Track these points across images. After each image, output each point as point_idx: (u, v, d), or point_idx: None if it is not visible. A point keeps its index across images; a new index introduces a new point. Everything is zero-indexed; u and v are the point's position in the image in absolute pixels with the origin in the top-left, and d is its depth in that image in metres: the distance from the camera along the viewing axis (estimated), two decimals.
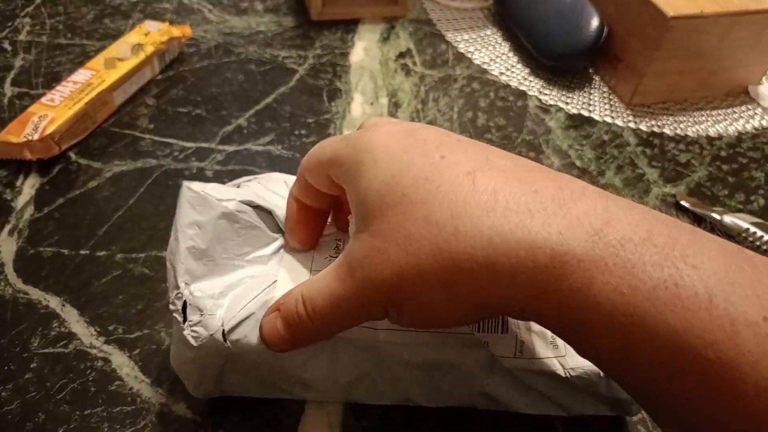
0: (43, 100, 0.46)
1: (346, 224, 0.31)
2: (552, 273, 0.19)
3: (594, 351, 0.20)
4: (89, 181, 0.44)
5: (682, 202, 0.47)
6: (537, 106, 0.56)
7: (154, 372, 0.34)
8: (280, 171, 0.45)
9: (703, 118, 0.56)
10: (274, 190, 0.33)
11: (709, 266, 0.18)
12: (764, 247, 0.42)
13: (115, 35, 0.56)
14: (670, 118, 0.56)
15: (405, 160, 0.23)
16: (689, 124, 0.56)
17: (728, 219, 0.44)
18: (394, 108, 0.53)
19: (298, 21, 0.62)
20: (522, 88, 0.57)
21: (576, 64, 0.58)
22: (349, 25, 0.62)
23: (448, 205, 0.21)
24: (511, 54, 0.62)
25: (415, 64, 0.59)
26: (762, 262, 0.19)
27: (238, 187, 0.35)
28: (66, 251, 0.39)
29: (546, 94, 0.57)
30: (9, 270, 0.38)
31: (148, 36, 0.53)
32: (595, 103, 0.56)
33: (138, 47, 0.51)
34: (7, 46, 0.55)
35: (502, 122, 0.53)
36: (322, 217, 0.31)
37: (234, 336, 0.28)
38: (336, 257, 0.30)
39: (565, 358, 0.30)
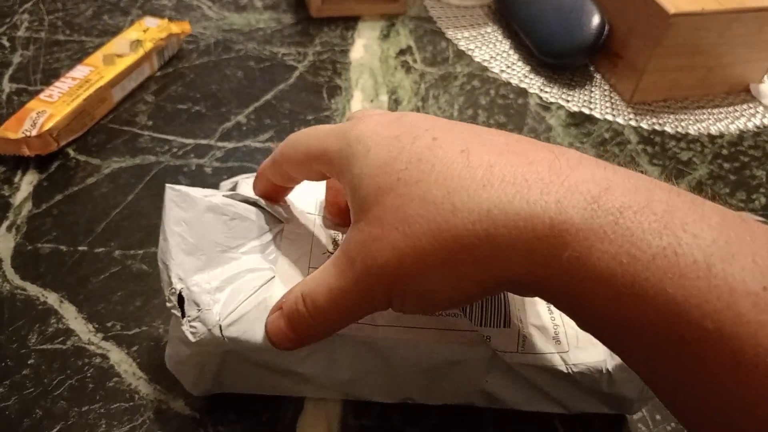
0: (42, 96, 0.45)
1: (339, 213, 0.31)
2: (551, 242, 0.19)
3: (595, 321, 0.20)
4: (87, 178, 0.43)
5: None
6: (537, 103, 0.55)
7: (152, 369, 0.33)
8: None
9: (704, 116, 0.56)
10: None
11: (709, 235, 0.18)
12: None
13: (114, 32, 0.56)
14: (671, 116, 0.56)
15: (397, 145, 0.22)
16: (690, 122, 0.55)
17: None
18: (395, 105, 0.53)
19: (297, 18, 0.62)
20: (522, 85, 0.57)
21: (576, 61, 0.58)
22: (349, 22, 0.62)
23: (444, 182, 0.21)
24: (511, 52, 0.61)
25: (415, 61, 0.58)
26: (763, 231, 0.19)
27: (235, 186, 0.35)
28: (64, 247, 0.39)
29: (547, 92, 0.57)
30: (7, 266, 0.37)
31: (147, 32, 0.52)
32: (596, 101, 0.56)
33: (137, 44, 0.51)
34: (5, 42, 0.55)
35: (502, 120, 0.53)
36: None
37: (231, 332, 0.27)
38: (334, 252, 0.30)
39: (567, 354, 0.29)
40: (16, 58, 0.53)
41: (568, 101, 0.56)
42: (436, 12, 0.66)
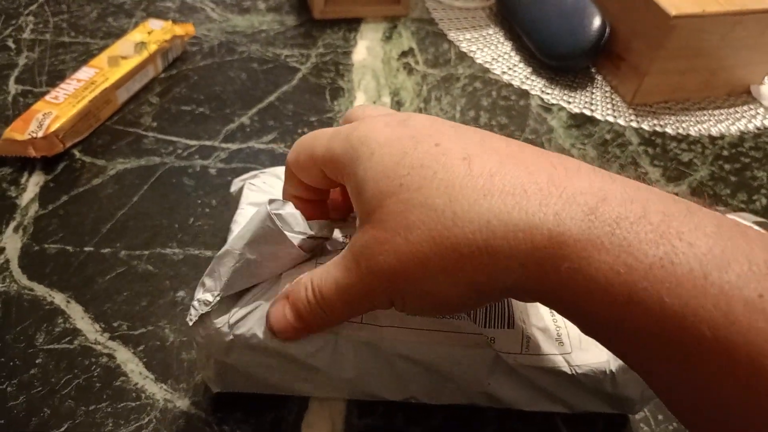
0: (47, 97, 0.46)
1: (342, 212, 0.31)
2: (550, 254, 0.19)
3: (595, 326, 0.21)
4: (93, 179, 0.44)
5: None
6: (539, 105, 0.56)
7: (159, 368, 0.34)
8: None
9: (705, 118, 0.57)
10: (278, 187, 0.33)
11: (705, 243, 0.18)
12: None
13: (119, 34, 0.57)
14: (672, 118, 0.56)
15: (400, 149, 0.23)
16: (691, 123, 0.56)
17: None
18: (397, 107, 0.53)
19: (300, 20, 0.62)
20: (524, 87, 0.58)
21: (578, 63, 0.58)
22: (352, 24, 0.62)
23: (446, 190, 0.21)
24: (513, 53, 0.62)
25: (417, 63, 0.59)
26: (758, 237, 0.19)
27: (241, 190, 0.35)
28: (70, 248, 0.39)
29: (548, 94, 0.57)
30: (14, 266, 0.38)
31: (152, 34, 0.53)
32: (597, 103, 0.57)
33: (141, 46, 0.51)
34: (11, 44, 0.55)
35: (504, 121, 0.53)
36: (325, 204, 0.31)
37: (238, 330, 0.28)
38: (341, 250, 0.30)
39: (570, 355, 0.30)
40: (22, 60, 0.53)
41: (569, 103, 0.56)
42: (438, 14, 0.66)
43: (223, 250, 0.28)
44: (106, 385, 0.33)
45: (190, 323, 0.28)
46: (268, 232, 0.27)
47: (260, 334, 0.28)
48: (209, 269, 0.28)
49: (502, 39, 0.64)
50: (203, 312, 0.28)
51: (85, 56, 0.54)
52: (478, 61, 0.60)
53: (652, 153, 0.52)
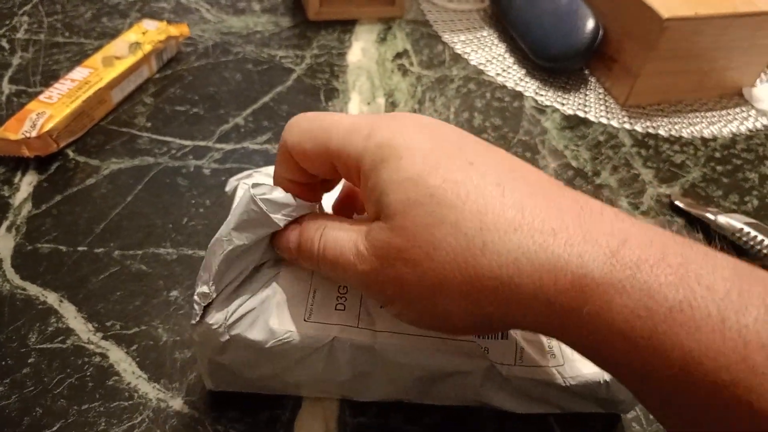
0: (41, 97, 0.46)
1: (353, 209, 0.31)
2: (572, 296, 0.20)
3: (613, 368, 0.21)
4: (87, 179, 0.44)
5: (677, 203, 0.47)
6: (533, 106, 0.56)
7: (152, 367, 0.34)
8: None
9: (698, 120, 0.57)
10: None
11: (722, 287, 0.18)
12: (758, 247, 0.42)
13: (113, 34, 0.56)
14: (665, 120, 0.56)
15: (432, 158, 0.22)
16: (684, 125, 0.56)
17: (722, 219, 0.44)
18: (391, 108, 0.53)
19: (295, 21, 0.62)
20: (518, 89, 0.58)
21: (571, 65, 0.58)
22: (347, 26, 0.63)
23: (478, 215, 0.21)
24: (507, 55, 0.62)
25: (412, 64, 0.59)
26: None
27: (234, 190, 0.34)
28: (64, 248, 0.39)
29: (542, 95, 0.57)
30: (7, 266, 0.38)
31: (146, 35, 0.53)
32: (591, 104, 0.57)
33: (136, 46, 0.51)
34: (5, 44, 0.55)
35: (498, 122, 0.54)
36: (317, 187, 0.29)
37: (234, 330, 0.28)
38: None
39: (563, 367, 0.30)
40: (16, 60, 0.53)
41: (563, 104, 0.56)
42: (433, 16, 0.66)
43: (213, 239, 0.28)
44: (99, 385, 0.33)
45: (195, 321, 0.28)
46: (254, 216, 0.26)
47: (257, 335, 0.28)
48: (204, 262, 0.28)
49: (496, 41, 0.64)
50: (205, 305, 0.28)
51: (80, 56, 0.54)
52: (473, 62, 0.60)
53: (645, 154, 0.52)
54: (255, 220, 0.26)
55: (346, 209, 0.31)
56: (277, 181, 0.27)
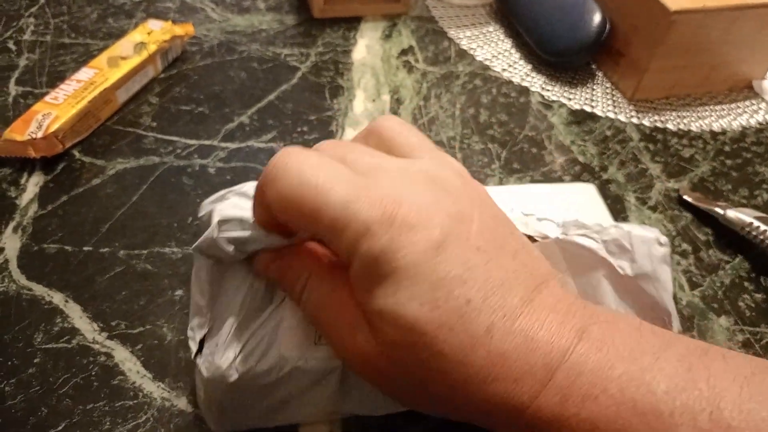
0: (47, 98, 0.46)
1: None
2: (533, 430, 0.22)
3: None
4: (93, 179, 0.44)
5: (685, 197, 0.47)
6: (539, 102, 0.55)
7: (156, 367, 0.34)
8: None
9: (707, 113, 0.56)
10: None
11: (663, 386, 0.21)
12: (767, 241, 0.42)
13: (119, 34, 0.57)
14: (673, 113, 0.56)
15: (429, 300, 0.22)
16: (692, 119, 0.55)
17: (731, 213, 0.44)
18: (397, 105, 0.53)
19: (300, 19, 0.62)
20: (524, 84, 0.57)
21: (578, 59, 0.58)
22: (351, 23, 0.62)
23: (464, 369, 0.22)
24: (513, 50, 0.62)
25: (417, 61, 0.59)
26: None
27: (210, 214, 0.33)
28: (69, 248, 0.39)
29: (548, 90, 0.57)
30: (13, 266, 0.38)
31: (151, 35, 0.53)
32: (598, 99, 0.56)
33: (141, 46, 0.51)
34: (11, 45, 0.55)
35: (504, 118, 0.53)
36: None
37: (245, 366, 0.27)
38: None
39: None
40: (23, 62, 0.53)
41: (569, 99, 0.56)
42: (438, 12, 0.66)
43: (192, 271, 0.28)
44: (104, 384, 0.33)
45: (194, 356, 0.28)
46: (222, 255, 0.27)
47: (267, 365, 0.27)
48: (191, 290, 0.28)
49: (502, 36, 0.64)
50: (200, 338, 0.28)
51: (86, 57, 0.54)
52: (478, 58, 0.60)
53: (653, 149, 0.52)
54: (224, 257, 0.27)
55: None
56: (254, 216, 0.26)
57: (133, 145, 0.47)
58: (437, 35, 0.63)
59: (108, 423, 0.31)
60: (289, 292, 0.27)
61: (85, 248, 0.39)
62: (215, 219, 0.30)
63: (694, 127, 0.54)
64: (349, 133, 0.50)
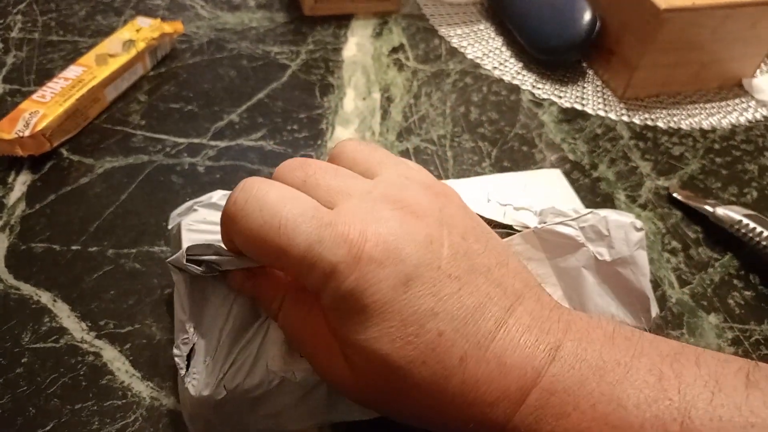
0: (34, 96, 0.46)
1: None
2: None
3: None
4: (81, 178, 0.44)
5: (675, 195, 0.47)
6: (530, 100, 0.56)
7: (145, 366, 0.34)
8: (273, 166, 0.45)
9: (697, 111, 0.56)
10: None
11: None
12: (756, 239, 0.42)
13: (107, 32, 0.56)
14: (664, 111, 0.56)
15: (401, 336, 0.22)
16: (682, 117, 0.56)
17: (721, 211, 0.44)
18: (387, 103, 0.53)
19: (290, 17, 0.62)
20: (515, 82, 0.57)
21: (569, 57, 0.58)
22: (342, 21, 0.62)
23: (439, 397, 0.22)
24: (504, 48, 0.62)
25: (408, 59, 0.59)
26: None
27: (179, 227, 0.33)
28: (57, 247, 0.39)
29: (539, 88, 0.57)
30: (1, 266, 0.38)
31: (140, 32, 0.52)
32: (589, 97, 0.56)
33: (129, 43, 0.51)
34: None
35: (494, 116, 0.53)
36: None
37: (230, 384, 0.27)
38: None
39: None
40: (10, 59, 0.53)
41: (560, 97, 0.56)
42: (429, 9, 0.66)
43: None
44: (93, 384, 0.33)
45: (182, 373, 0.27)
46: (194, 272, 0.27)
47: (255, 380, 0.27)
48: (174, 305, 0.28)
49: (493, 34, 0.63)
50: (186, 354, 0.27)
51: (74, 55, 0.54)
52: (469, 56, 0.60)
53: (644, 147, 0.52)
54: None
55: None
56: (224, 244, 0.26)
57: (122, 143, 0.47)
58: (428, 33, 0.63)
59: (96, 423, 0.31)
60: (266, 312, 0.28)
61: (74, 247, 0.39)
62: (184, 242, 0.30)
63: (684, 125, 0.55)
64: (339, 131, 0.50)
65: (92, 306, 0.36)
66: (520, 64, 0.60)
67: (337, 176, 0.25)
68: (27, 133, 0.43)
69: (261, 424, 0.29)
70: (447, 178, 0.47)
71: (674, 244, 0.44)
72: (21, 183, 0.43)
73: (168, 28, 0.54)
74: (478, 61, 0.60)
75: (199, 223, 0.32)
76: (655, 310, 0.31)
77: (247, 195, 0.23)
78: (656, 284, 0.41)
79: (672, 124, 0.55)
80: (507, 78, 0.58)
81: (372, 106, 0.52)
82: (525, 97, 0.56)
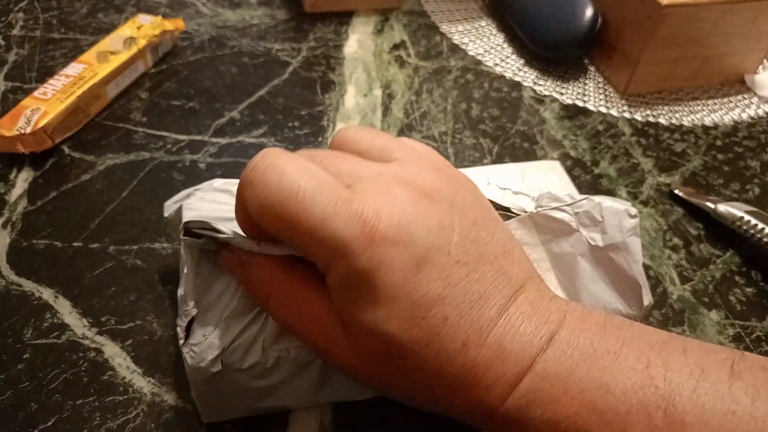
0: (36, 93, 0.46)
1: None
2: (504, 426, 0.24)
3: None
4: (82, 174, 0.44)
5: (677, 192, 0.47)
6: (531, 96, 0.55)
7: (146, 362, 0.34)
8: None
9: (699, 108, 0.56)
10: (221, 201, 0.32)
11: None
12: (758, 236, 0.42)
13: (108, 29, 0.56)
14: (665, 108, 0.56)
15: (408, 318, 0.22)
16: (684, 113, 0.55)
17: (722, 208, 0.44)
18: (388, 100, 0.53)
19: (291, 14, 0.62)
20: (516, 78, 0.57)
21: (570, 53, 0.58)
22: (343, 18, 0.62)
23: (439, 378, 0.23)
24: (505, 45, 0.62)
25: (409, 55, 0.59)
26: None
27: (188, 205, 0.32)
28: (59, 243, 0.39)
29: (540, 85, 0.57)
30: (2, 262, 0.38)
31: (141, 29, 0.52)
32: (590, 94, 0.56)
33: (131, 41, 0.51)
34: (0, 41, 0.55)
35: (496, 113, 0.53)
36: None
37: (228, 359, 0.27)
38: None
39: None
40: (11, 57, 0.53)
41: (562, 94, 0.56)
42: (430, 6, 0.66)
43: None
44: (94, 380, 0.33)
45: (191, 362, 0.27)
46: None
47: (252, 359, 0.28)
48: (180, 276, 0.28)
49: (494, 31, 0.63)
50: (186, 325, 0.28)
51: (75, 52, 0.54)
52: (471, 53, 0.60)
53: (645, 143, 0.52)
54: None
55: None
56: (236, 217, 0.26)
57: (123, 140, 0.47)
58: (429, 30, 0.62)
59: (98, 418, 0.31)
60: (255, 301, 0.28)
61: (75, 244, 0.39)
62: (185, 218, 0.30)
63: (686, 122, 0.55)
64: (340, 128, 0.50)
65: (93, 302, 0.36)
66: (522, 61, 0.60)
67: (346, 161, 0.25)
68: (28, 130, 0.43)
69: (257, 400, 0.30)
70: None
71: (676, 240, 0.44)
72: (22, 180, 0.43)
73: (169, 25, 0.54)
74: (479, 57, 0.59)
75: (199, 203, 0.32)
76: (648, 298, 0.31)
77: (267, 162, 0.23)
78: (657, 281, 0.41)
79: (674, 121, 0.54)
80: (508, 75, 0.58)
81: (373, 103, 0.52)
82: (526, 94, 0.56)
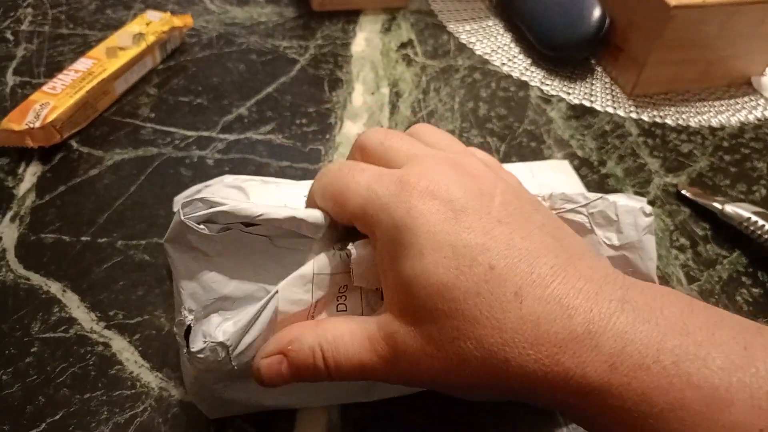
0: (45, 88, 0.46)
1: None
2: (576, 404, 0.21)
3: None
4: (90, 169, 0.44)
5: (684, 192, 0.47)
6: (538, 96, 0.55)
7: (154, 357, 0.34)
8: (281, 159, 0.45)
9: (706, 109, 0.56)
10: (232, 197, 0.31)
11: (714, 380, 0.19)
12: (765, 236, 0.42)
13: (117, 25, 0.56)
14: (672, 109, 0.56)
15: (454, 266, 0.22)
16: (691, 114, 0.55)
17: (729, 208, 0.44)
18: (396, 98, 0.53)
19: (299, 11, 0.62)
20: (524, 78, 0.57)
21: (577, 54, 0.58)
22: (351, 16, 0.62)
23: (499, 333, 0.21)
24: (513, 45, 0.62)
25: (416, 54, 0.59)
26: None
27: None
28: (67, 238, 0.39)
29: (548, 85, 0.57)
30: (10, 256, 0.38)
31: (150, 26, 0.53)
32: (597, 94, 0.56)
33: (139, 37, 0.51)
34: (9, 36, 0.55)
35: (503, 112, 0.53)
36: None
37: (243, 358, 0.27)
38: (344, 272, 0.28)
39: None
40: (20, 52, 0.53)
41: (569, 94, 0.56)
42: (438, 5, 0.66)
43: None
44: (102, 374, 0.33)
45: (185, 350, 0.26)
46: (195, 240, 0.26)
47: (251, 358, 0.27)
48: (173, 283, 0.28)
49: (501, 30, 0.63)
50: (193, 321, 0.27)
51: (84, 48, 0.54)
52: (478, 52, 0.60)
53: (652, 144, 0.52)
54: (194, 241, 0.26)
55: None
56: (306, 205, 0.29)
57: (131, 135, 0.47)
58: (437, 29, 0.62)
59: (105, 412, 0.31)
60: (307, 364, 0.26)
61: (83, 238, 0.39)
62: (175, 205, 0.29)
63: (693, 123, 0.54)
64: (348, 125, 0.50)
65: (101, 296, 0.36)
66: (529, 61, 0.60)
67: (407, 143, 0.28)
68: (37, 124, 0.43)
69: (261, 398, 0.30)
70: None
71: (683, 241, 0.44)
72: (31, 174, 0.43)
73: (177, 21, 0.54)
74: (486, 57, 0.60)
75: (211, 198, 0.31)
76: None
77: (332, 163, 0.28)
78: (665, 281, 0.41)
79: (681, 122, 0.54)
80: (516, 74, 0.58)
81: (381, 101, 0.53)
82: (533, 94, 0.56)
